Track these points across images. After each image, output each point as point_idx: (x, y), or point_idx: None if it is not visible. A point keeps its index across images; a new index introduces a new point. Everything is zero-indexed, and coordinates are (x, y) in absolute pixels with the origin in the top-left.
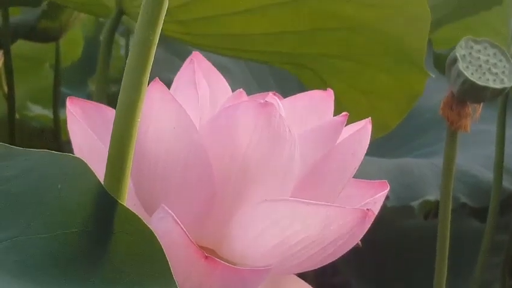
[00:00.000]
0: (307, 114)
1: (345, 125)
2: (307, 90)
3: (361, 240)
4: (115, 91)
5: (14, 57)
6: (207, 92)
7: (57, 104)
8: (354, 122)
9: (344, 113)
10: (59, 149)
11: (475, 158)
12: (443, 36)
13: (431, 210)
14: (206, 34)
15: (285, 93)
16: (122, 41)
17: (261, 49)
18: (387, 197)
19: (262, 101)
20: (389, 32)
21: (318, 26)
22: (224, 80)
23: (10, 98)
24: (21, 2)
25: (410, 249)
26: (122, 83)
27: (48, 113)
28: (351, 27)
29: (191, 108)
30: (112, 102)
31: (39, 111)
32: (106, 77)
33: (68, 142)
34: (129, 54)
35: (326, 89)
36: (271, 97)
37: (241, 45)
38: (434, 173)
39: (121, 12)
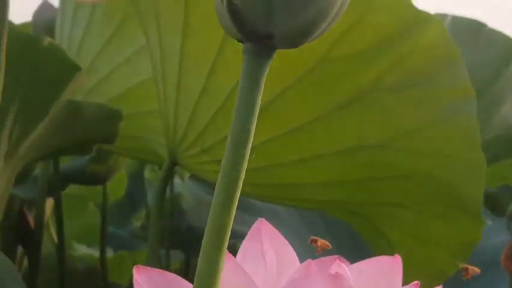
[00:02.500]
0: (375, 283)
1: (402, 275)
2: (359, 237)
3: None
4: None
5: None
6: (274, 261)
7: (104, 243)
8: (409, 269)
9: (415, 282)
10: None
11: None
12: (492, 174)
13: None
14: (258, 184)
15: (336, 238)
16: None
17: (313, 198)
18: None
19: (333, 273)
20: (445, 180)
21: (371, 175)
22: (291, 248)
23: (60, 244)
24: (74, 152)
25: None
26: (197, 265)
27: (93, 251)
28: (405, 176)
29: (259, 279)
30: None
31: (84, 250)
32: (160, 233)
33: (115, 283)
34: (204, 237)
35: (394, 255)
36: (338, 264)
37: (293, 194)
38: None
39: (173, 163)
